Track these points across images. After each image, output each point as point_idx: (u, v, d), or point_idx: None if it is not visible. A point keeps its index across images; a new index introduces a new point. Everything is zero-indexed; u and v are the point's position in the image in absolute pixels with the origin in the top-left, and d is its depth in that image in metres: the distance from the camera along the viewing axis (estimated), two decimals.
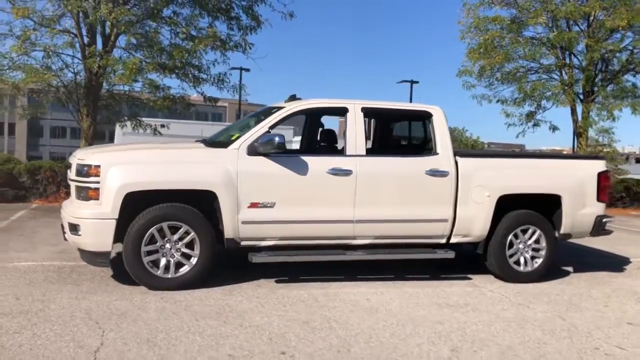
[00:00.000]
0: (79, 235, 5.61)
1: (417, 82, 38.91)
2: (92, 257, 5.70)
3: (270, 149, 5.85)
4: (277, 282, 6.29)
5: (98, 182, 5.55)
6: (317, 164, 6.17)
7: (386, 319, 5.15)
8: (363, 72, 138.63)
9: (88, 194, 5.60)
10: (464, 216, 6.59)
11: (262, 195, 5.94)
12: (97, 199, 5.56)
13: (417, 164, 6.50)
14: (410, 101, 39.06)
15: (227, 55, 14.52)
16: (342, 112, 6.51)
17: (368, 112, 6.69)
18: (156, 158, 5.87)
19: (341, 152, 6.57)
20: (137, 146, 6.33)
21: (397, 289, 6.22)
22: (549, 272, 7.03)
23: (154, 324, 4.70)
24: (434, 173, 6.46)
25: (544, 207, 6.98)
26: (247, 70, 37.62)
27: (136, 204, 5.65)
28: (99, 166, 5.57)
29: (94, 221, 5.55)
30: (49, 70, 13.14)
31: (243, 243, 6.04)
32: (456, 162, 6.60)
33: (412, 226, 6.46)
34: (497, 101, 19.76)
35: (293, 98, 6.67)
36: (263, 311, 5.19)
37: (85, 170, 5.63)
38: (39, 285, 5.78)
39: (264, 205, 5.95)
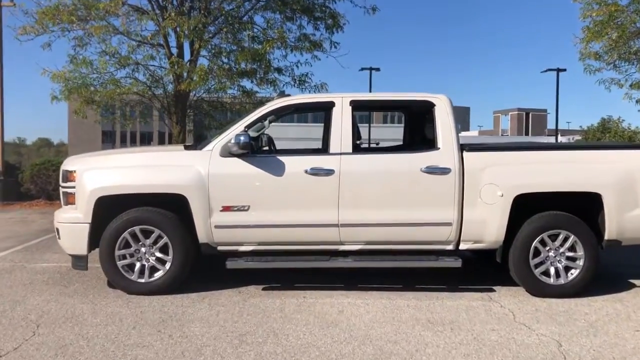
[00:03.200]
0: (60, 239, 5.81)
1: (564, 69, 35.83)
2: (74, 261, 5.87)
3: (237, 150, 5.57)
4: (263, 289, 5.97)
5: (74, 187, 5.69)
6: (295, 164, 5.75)
7: (337, 335, 4.61)
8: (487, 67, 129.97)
9: (68, 199, 5.78)
10: (473, 219, 5.73)
11: (235, 198, 5.68)
12: (74, 203, 5.70)
13: (411, 161, 5.78)
14: (557, 91, 35.90)
15: (317, 57, 14.43)
16: (328, 107, 6.01)
17: (358, 106, 6.09)
18: (128, 162, 5.88)
19: (324, 151, 6.08)
20: (116, 151, 6.43)
21: (387, 301, 5.58)
22: (597, 284, 5.86)
23: (87, 330, 4.67)
24: (433, 170, 5.70)
25: (581, 209, 5.84)
26: (377, 69, 37.63)
27: (111, 208, 5.71)
28: (74, 171, 5.72)
29: (69, 225, 5.71)
30: (139, 82, 14.00)
31: (220, 248, 5.83)
32: (462, 158, 5.76)
33: (408, 230, 5.76)
34: (631, 85, 17.24)
35: (282, 95, 6.31)
36: (212, 321, 4.93)
37: (65, 176, 5.81)
38: (31, 287, 6.08)
39: (238, 209, 5.68)
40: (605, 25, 15.54)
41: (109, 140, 76.70)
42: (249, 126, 5.84)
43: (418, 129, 6.90)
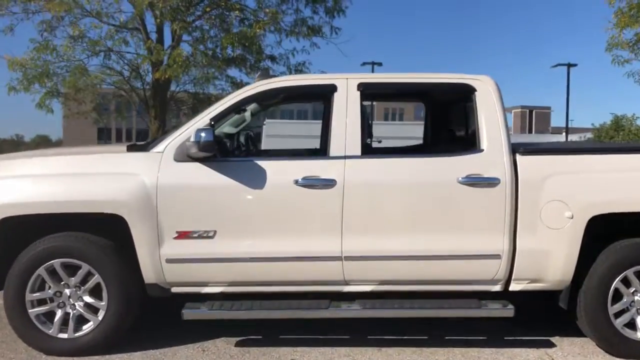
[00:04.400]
0: None
1: (575, 64, 33.89)
2: None
3: (196, 151, 3.90)
4: (237, 344, 4.31)
5: None
6: (281, 171, 4.09)
7: None
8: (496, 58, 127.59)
9: None
10: (530, 249, 4.08)
11: (195, 220, 4.02)
12: None
13: (444, 168, 4.12)
14: (568, 87, 33.88)
15: (316, 44, 12.78)
16: (328, 92, 4.33)
17: (369, 91, 4.40)
18: (44, 169, 4.17)
19: (323, 154, 4.43)
20: (38, 152, 4.75)
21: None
22: None
23: None
24: (474, 181, 4.04)
25: None
26: (380, 64, 35.64)
27: (24, 234, 4.05)
28: None
29: None
30: (114, 72, 12.34)
31: (175, 290, 4.17)
32: (514, 163, 4.11)
33: (440, 265, 4.10)
34: None
35: (264, 75, 4.62)
36: None
37: None
38: None
39: (200, 235, 4.01)
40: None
41: (105, 137, 74.77)
42: (216, 118, 4.17)
43: (449, 123, 5.23)
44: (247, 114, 5.52)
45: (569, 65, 33.93)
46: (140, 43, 12.44)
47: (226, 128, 5.49)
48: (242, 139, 5.00)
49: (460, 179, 4.05)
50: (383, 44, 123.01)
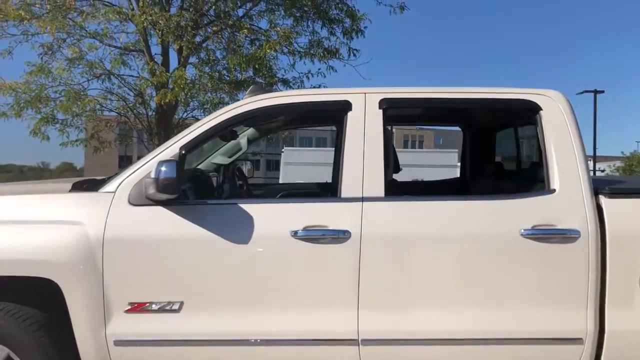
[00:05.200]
0: None
1: (602, 91, 32.33)
2: None
3: (153, 192, 2.81)
4: None
5: None
6: (274, 219, 2.97)
7: None
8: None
9: None
10: (625, 331, 2.89)
11: (155, 287, 2.91)
12: None
13: (502, 216, 2.96)
14: (595, 114, 32.16)
15: (333, 68, 11.81)
16: (338, 112, 3.22)
17: (394, 112, 3.28)
18: None
19: (333, 194, 3.32)
20: None
21: None
22: None
23: None
24: (545, 234, 2.89)
25: None
26: None
27: None
28: None
29: None
30: (115, 96, 11.46)
31: None
32: (599, 209, 2.94)
33: (494, 352, 2.92)
34: None
35: (257, 90, 3.50)
36: None
37: None
38: None
39: (161, 308, 2.90)
40: None
41: (126, 164, 74.57)
42: (189, 146, 3.08)
43: (509, 153, 4.09)
44: (244, 141, 4.48)
45: (596, 92, 32.50)
46: (145, 66, 11.56)
47: (217, 158, 4.47)
48: (229, 172, 3.91)
49: (523, 231, 2.89)
50: (404, 67, 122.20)
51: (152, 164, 2.99)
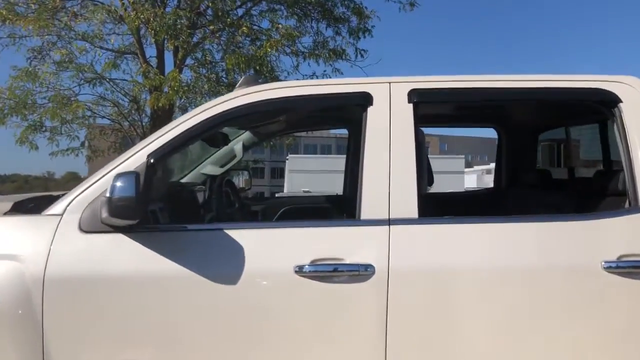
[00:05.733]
0: None
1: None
2: None
3: (106, 216, 2.08)
4: None
5: None
6: (272, 251, 2.24)
7: None
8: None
9: None
10: None
11: (111, 342, 2.18)
12: None
13: (575, 243, 2.22)
14: None
15: (339, 70, 11.16)
16: (355, 108, 2.50)
17: (428, 108, 2.55)
18: None
19: (349, 216, 2.59)
20: None
21: None
22: None
23: None
24: (634, 266, 2.14)
25: None
26: None
27: None
28: None
29: None
30: (108, 101, 10.80)
31: None
32: None
33: None
34: None
35: (250, 82, 2.77)
36: None
37: None
38: None
39: None
40: None
41: None
42: (159, 153, 2.35)
43: (582, 156, 3.36)
44: (238, 147, 3.78)
45: None
46: (140, 69, 10.90)
47: (207, 168, 3.76)
48: (215, 187, 3.18)
49: (605, 263, 2.15)
50: (416, 65, 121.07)
51: (108, 178, 2.26)
